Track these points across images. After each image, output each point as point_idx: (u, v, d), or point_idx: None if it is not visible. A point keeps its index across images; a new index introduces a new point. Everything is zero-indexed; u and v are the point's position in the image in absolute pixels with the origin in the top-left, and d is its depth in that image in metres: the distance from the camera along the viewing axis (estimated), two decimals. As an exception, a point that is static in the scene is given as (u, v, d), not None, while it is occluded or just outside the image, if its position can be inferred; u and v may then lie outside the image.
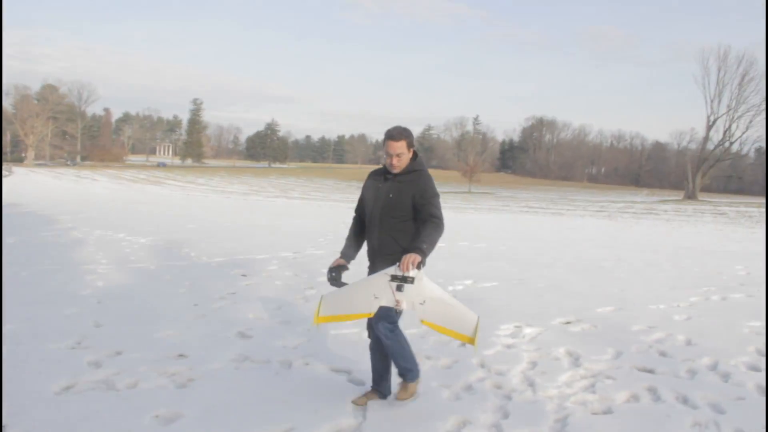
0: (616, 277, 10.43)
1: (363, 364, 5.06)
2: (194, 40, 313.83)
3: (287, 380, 4.69)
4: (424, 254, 3.78)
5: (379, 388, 4.37)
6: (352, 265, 4.32)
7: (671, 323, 6.95)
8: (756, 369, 5.29)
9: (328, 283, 4.21)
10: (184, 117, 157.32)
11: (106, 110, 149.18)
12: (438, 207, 4.05)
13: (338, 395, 4.39)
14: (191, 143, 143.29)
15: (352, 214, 4.45)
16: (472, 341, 3.80)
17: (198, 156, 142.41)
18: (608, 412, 4.28)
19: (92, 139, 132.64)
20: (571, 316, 7.13)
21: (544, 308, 7.50)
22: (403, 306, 3.78)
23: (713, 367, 5.32)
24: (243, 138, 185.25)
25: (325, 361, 5.15)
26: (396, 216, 4.06)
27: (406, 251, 3.79)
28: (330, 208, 37.03)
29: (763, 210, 45.96)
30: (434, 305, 3.81)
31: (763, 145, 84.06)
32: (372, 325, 4.10)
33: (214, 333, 5.95)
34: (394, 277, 3.78)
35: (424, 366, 4.95)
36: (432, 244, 3.86)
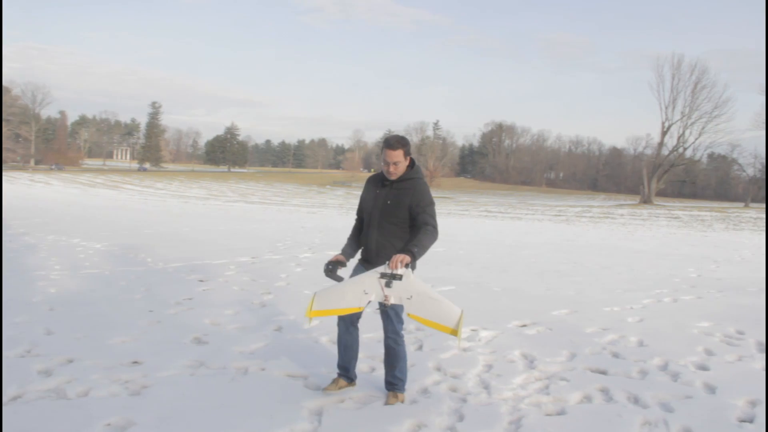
0: (572, 280, 10.59)
1: (319, 368, 5.09)
2: (154, 44, 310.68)
3: (243, 386, 4.66)
4: (414, 256, 4.02)
5: (348, 374, 4.62)
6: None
7: (624, 325, 7.08)
8: (704, 368, 5.43)
9: (324, 275, 4.42)
10: (143, 120, 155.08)
11: (62, 113, 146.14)
12: (433, 215, 4.30)
13: (294, 400, 4.37)
14: (149, 147, 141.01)
15: (354, 217, 4.68)
16: (455, 333, 3.95)
17: (156, 160, 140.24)
18: (561, 413, 4.35)
19: (47, 142, 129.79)
20: (526, 319, 7.22)
21: (500, 311, 7.58)
22: (392, 300, 4.00)
23: (663, 368, 5.44)
24: (202, 142, 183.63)
25: (281, 367, 5.12)
26: (393, 221, 4.30)
27: (399, 250, 4.08)
28: (289, 212, 36.82)
29: (716, 214, 47.08)
30: (421, 300, 4.00)
31: (716, 150, 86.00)
32: (384, 331, 4.39)
33: (170, 339, 5.87)
34: (383, 275, 3.99)
35: (379, 371, 4.99)
36: (423, 248, 4.11)
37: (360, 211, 4.60)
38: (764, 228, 33.80)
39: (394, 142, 4.26)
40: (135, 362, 5.11)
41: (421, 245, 4.10)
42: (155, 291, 8.29)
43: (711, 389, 4.87)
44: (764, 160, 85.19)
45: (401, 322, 4.42)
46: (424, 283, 4.10)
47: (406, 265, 3.99)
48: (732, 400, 4.61)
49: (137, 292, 8.20)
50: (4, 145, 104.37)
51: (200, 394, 4.46)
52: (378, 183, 4.43)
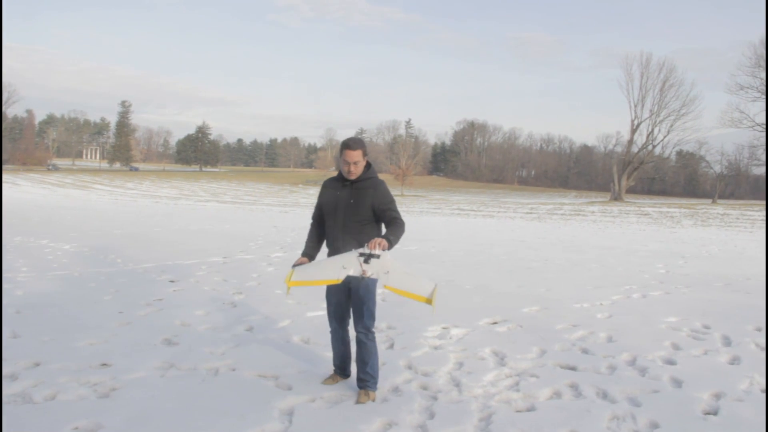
0: (543, 277, 10.68)
1: (290, 369, 5.09)
2: (124, 42, 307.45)
3: (214, 387, 4.64)
4: (390, 244, 4.20)
5: (345, 371, 4.83)
6: None
7: (594, 321, 7.16)
8: (671, 363, 5.51)
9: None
10: (113, 119, 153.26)
11: (29, 112, 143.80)
12: (397, 210, 4.54)
13: (265, 401, 4.36)
14: (119, 146, 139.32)
15: (311, 216, 4.80)
16: (429, 302, 4.13)
17: (126, 160, 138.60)
18: (531, 409, 4.39)
19: (13, 141, 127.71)
20: (497, 316, 7.27)
21: (471, 309, 7.63)
22: (368, 274, 4.10)
23: (632, 363, 5.51)
24: (173, 141, 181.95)
25: (252, 367, 5.11)
26: (357, 219, 4.46)
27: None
28: (261, 212, 36.64)
29: (684, 210, 47.75)
30: (397, 275, 4.16)
31: (684, 148, 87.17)
32: (355, 327, 4.53)
33: (139, 341, 5.82)
34: (362, 253, 4.12)
35: (351, 370, 5.00)
36: (397, 238, 4.33)
37: (318, 214, 4.73)
38: (734, 224, 34.37)
39: (352, 143, 4.45)
40: (104, 364, 5.06)
41: (395, 235, 4.31)
42: (125, 292, 8.21)
43: (678, 383, 4.94)
44: (732, 158, 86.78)
45: (372, 318, 4.52)
46: (400, 264, 4.23)
47: (384, 249, 4.13)
48: (697, 393, 4.69)
49: (107, 293, 8.11)
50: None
51: (170, 395, 4.43)
52: (337, 185, 4.59)
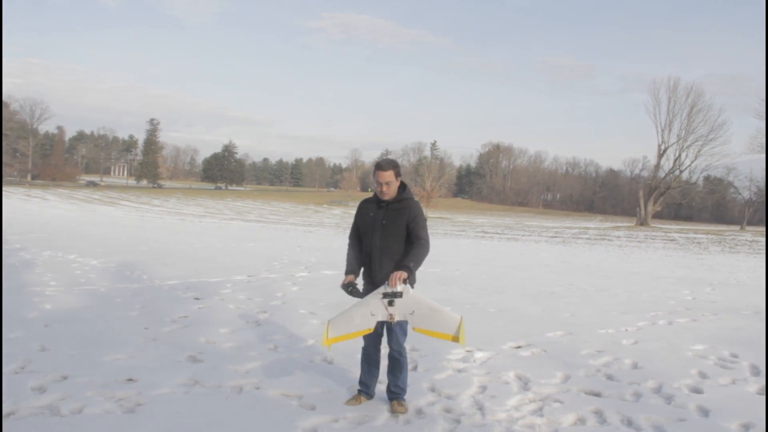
0: (568, 302, 10.60)
1: (314, 388, 5.09)
2: (155, 61, 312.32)
3: (237, 405, 4.66)
4: (410, 271, 4.35)
5: (369, 391, 4.87)
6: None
7: (619, 347, 7.08)
8: (697, 391, 5.43)
9: (349, 296, 4.67)
10: (141, 137, 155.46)
11: (60, 128, 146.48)
12: (425, 229, 4.64)
13: (288, 420, 4.37)
14: (146, 164, 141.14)
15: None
16: (457, 339, 4.33)
17: (153, 177, 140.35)
18: (555, 435, 4.35)
19: (44, 157, 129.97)
20: (521, 340, 7.22)
21: (495, 333, 7.59)
22: (397, 318, 4.33)
23: (657, 390, 5.44)
24: (200, 159, 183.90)
25: (276, 386, 5.12)
26: (392, 239, 4.59)
27: (395, 267, 4.41)
28: (286, 231, 36.84)
29: (712, 236, 47.19)
30: (422, 313, 4.35)
31: (712, 173, 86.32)
32: (389, 341, 4.67)
33: (165, 357, 5.87)
34: (385, 295, 4.30)
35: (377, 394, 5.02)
36: (418, 261, 4.46)
37: (355, 233, 4.85)
38: (763, 251, 33.87)
39: (384, 163, 4.62)
40: (129, 380, 5.10)
41: (416, 259, 4.44)
42: (151, 308, 8.29)
43: (704, 412, 4.87)
44: (762, 184, 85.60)
45: (405, 335, 4.68)
46: (422, 296, 4.40)
47: (405, 281, 4.29)
48: (725, 423, 4.62)
49: (133, 309, 8.20)
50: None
51: (194, 412, 4.46)
52: (372, 206, 4.73)
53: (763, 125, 69.65)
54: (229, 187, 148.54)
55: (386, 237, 4.59)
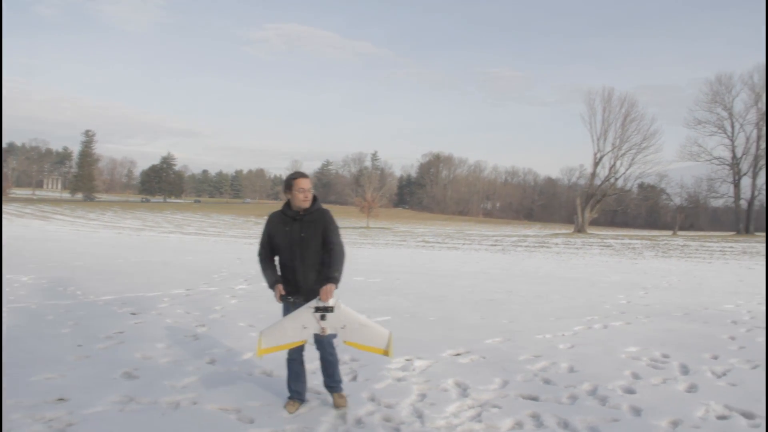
0: (507, 309, 10.74)
1: (252, 401, 5.04)
2: (92, 72, 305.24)
3: (174, 421, 4.57)
4: (337, 280, 4.57)
5: (302, 397, 5.01)
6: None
7: (556, 352, 7.22)
8: (630, 392, 5.58)
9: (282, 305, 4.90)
10: (76, 149, 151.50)
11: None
12: (338, 235, 4.86)
13: (226, 434, 4.31)
14: (82, 176, 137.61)
15: (258, 253, 5.00)
16: (386, 353, 4.51)
17: (89, 190, 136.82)
18: (493, 440, 4.40)
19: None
20: (460, 347, 7.29)
21: (434, 341, 7.63)
22: (328, 331, 4.51)
23: (592, 392, 5.56)
24: (138, 172, 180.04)
25: (213, 401, 5.04)
26: (311, 251, 4.78)
27: (323, 280, 4.57)
28: (226, 244, 36.35)
29: (646, 242, 48.52)
30: (353, 328, 4.54)
31: (645, 181, 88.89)
32: (320, 346, 4.93)
33: (98, 374, 5.72)
34: (317, 309, 4.46)
35: (313, 402, 5.02)
36: (341, 269, 4.68)
37: (267, 249, 4.96)
38: (694, 255, 34.99)
39: (303, 173, 4.91)
40: (60, 399, 4.95)
41: (338, 268, 4.66)
42: (85, 325, 8.06)
43: (637, 412, 5.01)
44: (692, 190, 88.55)
45: (335, 335, 4.83)
46: (352, 311, 4.60)
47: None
48: (656, 421, 4.76)
49: (65, 326, 7.97)
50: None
51: (129, 430, 4.36)
52: (285, 220, 4.87)
53: (693, 133, 72.13)
54: (168, 200, 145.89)
55: (307, 248, 4.76)
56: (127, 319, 8.65)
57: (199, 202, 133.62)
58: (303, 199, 4.77)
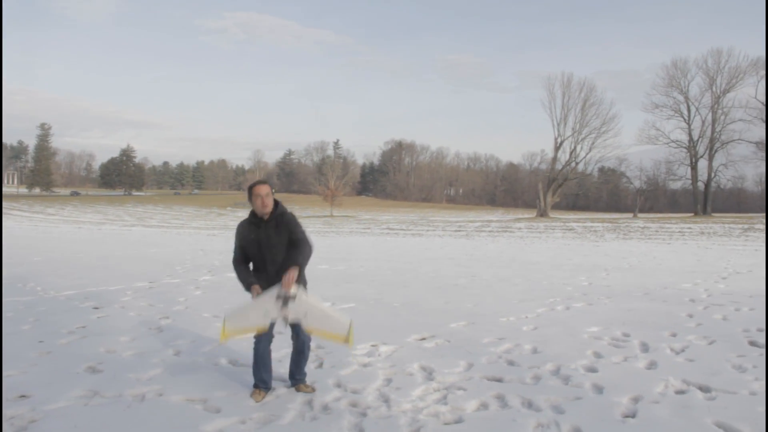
0: (471, 293, 10.85)
1: (218, 391, 5.03)
2: (46, 64, 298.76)
3: (139, 413, 4.55)
4: (300, 265, 4.68)
5: (267, 386, 5.05)
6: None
7: (519, 334, 7.33)
8: (592, 370, 5.70)
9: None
10: (31, 143, 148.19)
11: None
12: (304, 233, 5.00)
13: (193, 425, 4.30)
14: (39, 171, 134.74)
15: (233, 260, 5.11)
16: (347, 340, 4.66)
17: (47, 185, 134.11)
18: (459, 421, 4.47)
19: None
20: (425, 332, 7.35)
21: (399, 326, 7.70)
22: (290, 318, 4.61)
23: (556, 372, 5.67)
24: (97, 165, 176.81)
25: (179, 392, 5.03)
26: (280, 255, 4.90)
27: (286, 266, 4.68)
28: (189, 235, 36.01)
29: (607, 224, 49.27)
30: (314, 315, 4.66)
31: (606, 164, 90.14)
32: (298, 336, 5.05)
33: (61, 370, 5.65)
34: (278, 296, 4.54)
35: (280, 391, 5.04)
36: (305, 257, 4.79)
37: (241, 257, 5.05)
38: (654, 236, 35.63)
39: (260, 180, 5.09)
40: (22, 396, 4.89)
41: (302, 256, 4.76)
42: (46, 321, 7.95)
43: (599, 389, 5.12)
44: (651, 173, 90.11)
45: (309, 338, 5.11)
46: (315, 299, 4.79)
47: (297, 282, 4.63)
48: (617, 398, 4.87)
49: (25, 322, 7.84)
50: None
51: (94, 424, 4.32)
52: (252, 227, 4.98)
53: (651, 117, 73.12)
54: (130, 193, 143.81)
55: (277, 253, 4.89)
56: (90, 313, 8.54)
57: (77, 194, 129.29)
58: (261, 205, 4.87)
